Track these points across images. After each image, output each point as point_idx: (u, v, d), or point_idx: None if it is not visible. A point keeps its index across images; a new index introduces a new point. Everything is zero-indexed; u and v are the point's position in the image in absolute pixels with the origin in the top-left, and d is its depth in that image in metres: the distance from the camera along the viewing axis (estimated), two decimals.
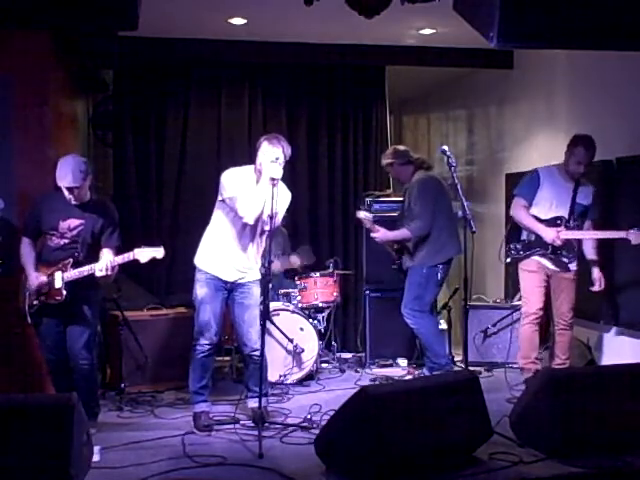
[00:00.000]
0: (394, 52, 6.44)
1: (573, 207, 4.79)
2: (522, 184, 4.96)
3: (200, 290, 4.36)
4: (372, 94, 6.86)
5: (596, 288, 4.89)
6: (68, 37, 4.95)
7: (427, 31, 5.89)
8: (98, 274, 4.07)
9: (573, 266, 4.89)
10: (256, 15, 5.48)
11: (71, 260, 4.11)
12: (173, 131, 6.44)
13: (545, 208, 4.80)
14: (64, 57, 5.18)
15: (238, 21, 5.61)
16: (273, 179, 4.11)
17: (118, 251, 4.23)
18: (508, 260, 4.94)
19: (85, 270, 4.09)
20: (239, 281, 4.38)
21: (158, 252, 4.12)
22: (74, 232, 4.15)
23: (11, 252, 4.31)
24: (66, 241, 4.15)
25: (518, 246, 4.87)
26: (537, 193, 4.80)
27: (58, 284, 4.08)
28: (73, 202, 4.14)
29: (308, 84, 6.71)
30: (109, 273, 4.10)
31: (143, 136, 6.40)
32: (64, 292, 4.07)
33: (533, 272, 4.87)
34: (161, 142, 6.44)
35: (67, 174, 4.04)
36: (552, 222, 4.76)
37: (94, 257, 4.17)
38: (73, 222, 4.15)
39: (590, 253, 4.88)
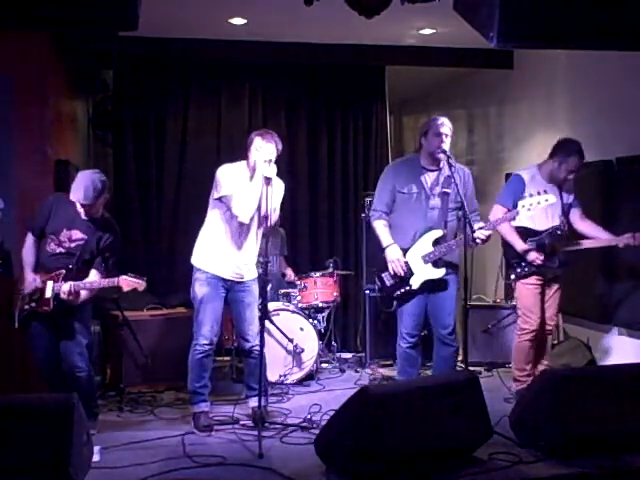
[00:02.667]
0: (394, 52, 6.45)
1: (564, 209, 4.73)
2: (503, 191, 4.81)
3: (200, 289, 4.34)
4: (372, 94, 6.87)
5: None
6: (68, 37, 4.95)
7: (427, 31, 5.90)
8: (62, 296, 3.98)
9: (563, 270, 4.79)
10: (256, 15, 5.48)
11: (64, 272, 4.02)
12: (173, 131, 6.45)
13: (536, 216, 4.60)
14: (64, 57, 5.19)
15: (238, 21, 5.62)
16: (267, 178, 4.11)
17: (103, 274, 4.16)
18: (512, 277, 4.76)
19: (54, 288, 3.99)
20: (239, 279, 4.38)
21: (140, 284, 4.09)
22: (73, 245, 4.08)
23: (11, 252, 4.29)
24: (62, 250, 4.08)
25: (523, 263, 4.68)
26: (523, 196, 4.52)
27: (48, 294, 3.99)
28: (83, 217, 4.06)
29: (308, 84, 6.72)
30: (70, 298, 3.99)
31: (143, 136, 6.40)
32: (52, 303, 3.99)
33: (534, 286, 4.74)
34: (161, 142, 6.44)
35: (79, 189, 3.94)
36: (552, 234, 4.65)
37: (86, 275, 4.10)
38: (76, 234, 4.08)
39: (601, 235, 4.72)
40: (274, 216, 4.28)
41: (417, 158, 4.55)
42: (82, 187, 3.95)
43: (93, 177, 4.01)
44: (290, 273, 6.05)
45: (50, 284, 4.01)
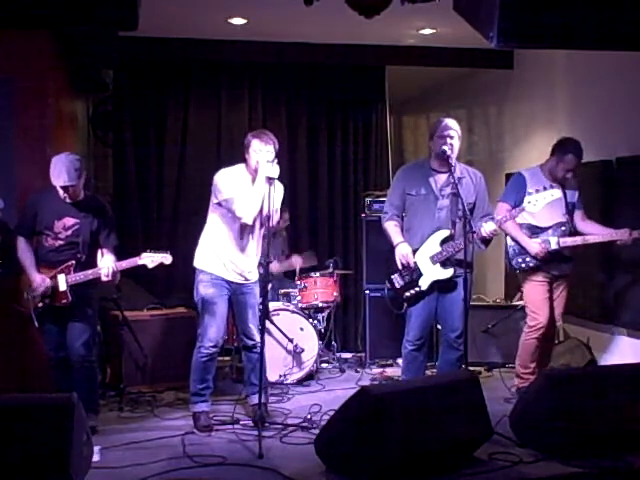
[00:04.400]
0: (394, 52, 6.45)
1: (568, 207, 4.73)
2: (506, 189, 4.89)
3: (205, 290, 4.33)
4: (372, 94, 6.87)
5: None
6: (68, 37, 4.95)
7: (427, 31, 5.90)
8: (104, 279, 4.08)
9: (570, 268, 4.81)
10: (256, 15, 5.48)
11: (74, 262, 4.10)
12: (173, 131, 6.45)
13: (540, 214, 4.56)
14: (64, 57, 5.18)
15: (238, 21, 5.62)
16: (271, 179, 4.11)
17: (116, 250, 4.23)
18: (518, 272, 4.79)
19: (90, 274, 4.09)
20: (242, 281, 4.38)
21: (166, 258, 4.12)
22: (69, 232, 4.13)
23: (11, 252, 4.30)
24: (61, 242, 4.13)
25: (527, 258, 4.68)
26: (525, 195, 4.52)
27: (62, 287, 4.07)
28: (68, 200, 4.12)
29: (308, 84, 6.72)
30: (113, 278, 4.11)
31: (143, 136, 6.40)
32: (69, 295, 4.07)
33: (541, 283, 4.72)
34: (161, 142, 6.44)
35: (61, 173, 4.00)
36: (556, 230, 4.66)
37: (95, 257, 4.17)
38: (68, 221, 4.13)
39: (598, 232, 4.70)
40: (275, 217, 4.28)
41: (427, 161, 4.57)
42: (63, 170, 4.00)
43: (69, 158, 4.07)
44: (298, 260, 5.96)
45: (62, 277, 4.08)
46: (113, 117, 6.36)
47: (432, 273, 4.40)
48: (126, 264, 4.12)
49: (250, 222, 4.24)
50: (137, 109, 6.39)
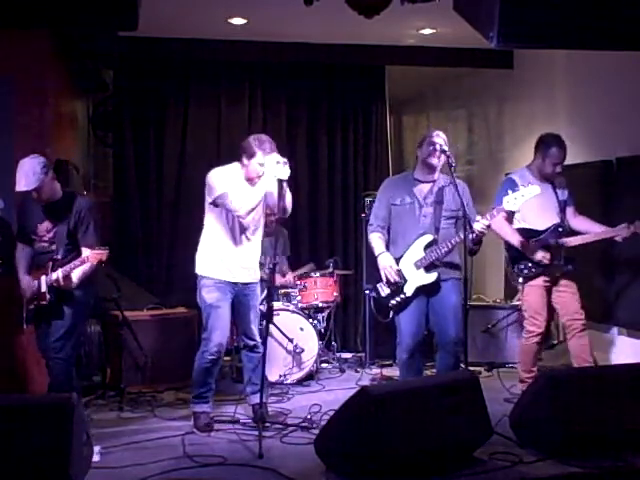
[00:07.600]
0: (394, 52, 6.46)
1: (560, 206, 4.71)
2: (498, 193, 4.77)
3: (209, 295, 4.31)
4: (372, 94, 6.87)
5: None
6: (68, 37, 4.96)
7: (427, 31, 5.91)
8: (55, 285, 4.03)
9: (572, 266, 4.75)
10: (256, 15, 5.49)
11: (51, 263, 4.09)
12: (173, 131, 6.45)
13: (534, 217, 4.60)
14: (64, 57, 5.19)
15: (238, 21, 5.63)
16: (281, 180, 4.10)
17: (94, 247, 4.10)
18: (520, 280, 4.73)
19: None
20: (245, 281, 4.38)
21: (103, 254, 4.00)
22: (50, 234, 4.13)
23: (11, 252, 4.31)
24: (45, 244, 4.15)
25: (530, 264, 4.65)
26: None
27: (43, 288, 4.08)
28: (41, 203, 4.09)
29: (308, 84, 6.72)
30: (63, 284, 4.03)
31: (143, 136, 6.41)
32: (48, 296, 4.07)
33: (539, 287, 4.70)
34: (161, 142, 6.45)
35: (20, 179, 3.95)
36: (554, 231, 4.64)
37: (77, 256, 4.09)
38: (47, 224, 4.12)
39: (594, 230, 4.68)
40: (288, 211, 4.30)
41: (411, 173, 4.59)
42: (22, 175, 3.95)
43: (30, 162, 4.00)
44: (289, 278, 5.99)
45: (43, 278, 4.09)
46: (113, 117, 6.37)
47: (416, 278, 4.40)
48: (79, 263, 4.02)
49: (244, 216, 4.22)
50: (137, 109, 6.39)
